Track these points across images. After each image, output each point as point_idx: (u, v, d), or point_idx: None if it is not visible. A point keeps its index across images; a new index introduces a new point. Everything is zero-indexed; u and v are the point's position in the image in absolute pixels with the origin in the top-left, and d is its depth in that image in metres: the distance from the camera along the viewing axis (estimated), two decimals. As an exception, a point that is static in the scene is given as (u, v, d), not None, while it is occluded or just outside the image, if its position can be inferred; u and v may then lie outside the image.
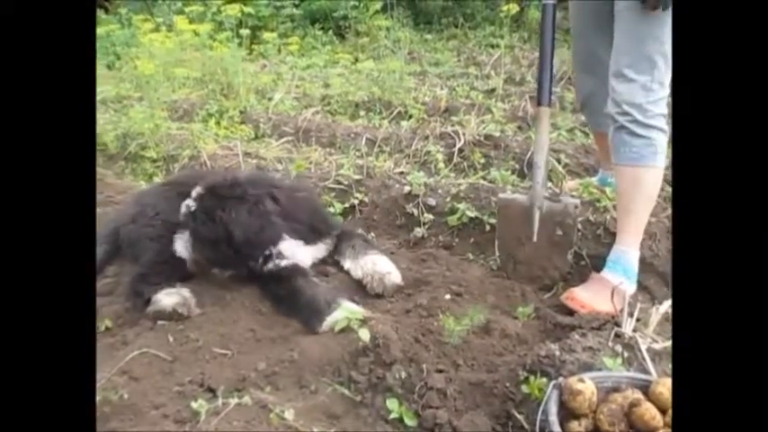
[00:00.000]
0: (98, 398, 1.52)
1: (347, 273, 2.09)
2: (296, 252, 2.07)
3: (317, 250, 2.17)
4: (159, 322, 1.84)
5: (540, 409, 1.23)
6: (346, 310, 1.69)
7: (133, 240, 2.12)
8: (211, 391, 1.56)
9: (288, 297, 1.88)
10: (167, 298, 1.86)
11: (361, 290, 2.03)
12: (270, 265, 2.02)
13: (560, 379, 1.24)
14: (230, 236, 1.92)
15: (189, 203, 1.98)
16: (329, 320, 1.71)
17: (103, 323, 1.88)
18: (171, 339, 1.76)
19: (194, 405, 1.47)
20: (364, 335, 1.57)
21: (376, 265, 2.01)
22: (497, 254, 2.16)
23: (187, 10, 5.32)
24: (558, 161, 2.94)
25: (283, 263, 2.01)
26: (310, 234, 2.13)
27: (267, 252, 2.02)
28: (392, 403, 1.50)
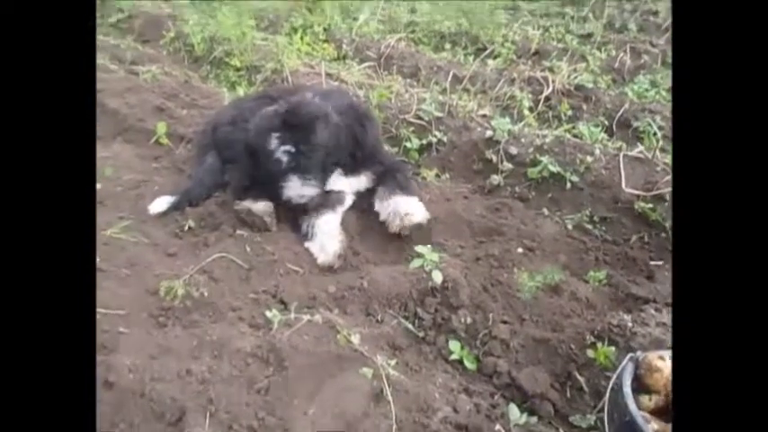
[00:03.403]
0: (181, 292, 1.64)
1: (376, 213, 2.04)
2: (336, 182, 2.08)
3: (358, 182, 2.14)
4: (238, 231, 1.93)
5: (613, 378, 1.22)
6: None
7: (230, 141, 2.18)
8: (283, 303, 1.65)
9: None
10: (259, 204, 1.95)
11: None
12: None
13: (638, 352, 1.21)
14: (362, 141, 2.08)
15: (329, 112, 2.01)
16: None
17: (187, 223, 1.99)
18: (248, 249, 1.84)
19: (268, 314, 1.55)
20: (437, 276, 1.58)
21: (399, 206, 1.98)
22: None
23: None
24: (653, 124, 2.75)
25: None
26: (352, 164, 2.10)
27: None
28: (454, 345, 1.54)
